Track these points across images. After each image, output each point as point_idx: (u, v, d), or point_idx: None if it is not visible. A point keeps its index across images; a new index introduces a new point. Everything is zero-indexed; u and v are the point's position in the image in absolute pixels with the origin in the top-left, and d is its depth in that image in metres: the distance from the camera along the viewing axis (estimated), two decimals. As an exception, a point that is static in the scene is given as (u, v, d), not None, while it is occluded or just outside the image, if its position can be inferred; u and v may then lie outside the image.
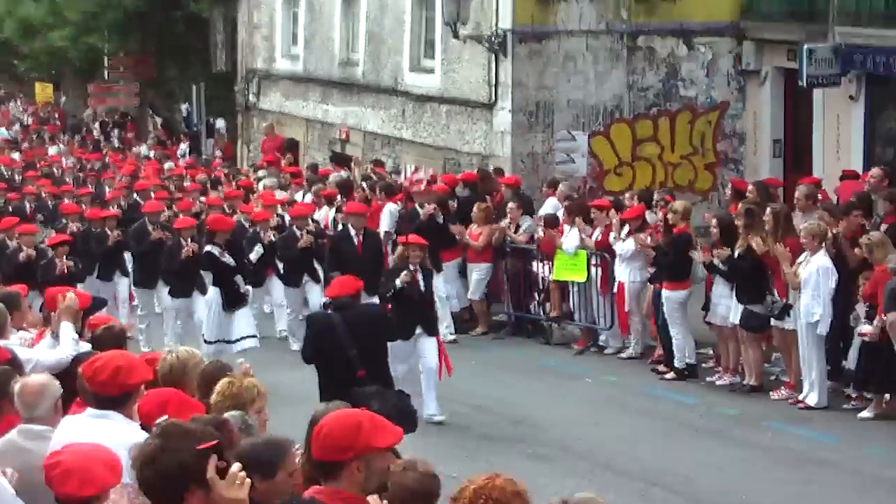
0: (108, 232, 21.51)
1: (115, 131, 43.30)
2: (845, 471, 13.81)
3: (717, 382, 17.21)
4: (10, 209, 26.46)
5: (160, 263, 19.84)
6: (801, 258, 16.00)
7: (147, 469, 5.52)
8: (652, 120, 24.46)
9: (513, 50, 24.00)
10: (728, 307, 16.88)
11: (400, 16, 27.53)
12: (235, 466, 5.49)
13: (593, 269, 19.25)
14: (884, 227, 16.50)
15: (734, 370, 17.17)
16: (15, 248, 19.85)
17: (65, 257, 19.08)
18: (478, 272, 20.56)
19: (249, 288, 19.20)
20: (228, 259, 18.37)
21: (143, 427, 7.32)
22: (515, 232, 20.49)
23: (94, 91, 43.64)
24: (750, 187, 19.04)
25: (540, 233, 20.06)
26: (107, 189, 27.74)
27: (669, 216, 17.82)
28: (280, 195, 24.25)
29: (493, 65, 24.39)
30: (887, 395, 15.36)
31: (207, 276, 19.42)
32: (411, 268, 15.54)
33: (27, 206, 26.81)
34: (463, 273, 20.87)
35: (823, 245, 15.89)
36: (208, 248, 18.53)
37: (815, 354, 15.82)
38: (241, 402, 8.03)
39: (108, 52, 43.24)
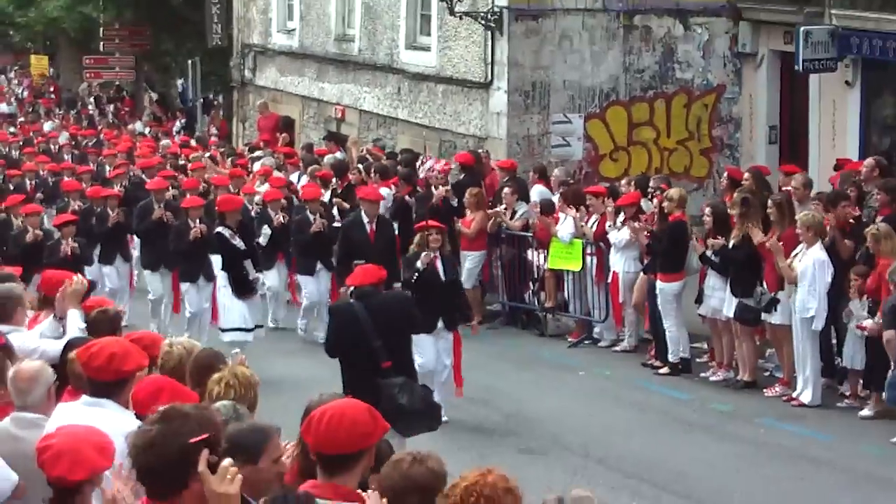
0: (109, 212, 20.94)
1: (111, 107, 43.20)
2: (838, 468, 13.84)
3: (711, 378, 17.18)
4: (12, 187, 26.38)
5: (164, 244, 19.30)
6: (797, 251, 15.91)
7: (148, 455, 5.45)
8: (648, 103, 24.39)
9: (509, 28, 23.88)
10: (721, 300, 16.82)
11: (395, -9, 27.39)
12: (227, 461, 5.43)
13: (588, 259, 19.20)
14: (880, 218, 16.45)
15: (728, 365, 17.13)
16: (20, 228, 19.47)
17: (70, 239, 18.62)
18: (470, 260, 20.36)
19: (260, 276, 18.70)
20: (239, 242, 17.95)
21: (138, 416, 7.28)
22: (511, 218, 20.36)
23: (90, 64, 43.52)
24: (746, 175, 18.97)
25: (535, 220, 19.99)
26: (107, 167, 27.56)
27: (665, 204, 17.72)
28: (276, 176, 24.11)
29: (490, 43, 24.28)
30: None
31: (215, 261, 19.13)
32: (427, 251, 15.17)
33: (27, 183, 26.71)
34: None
35: (819, 238, 15.83)
36: (219, 229, 18.07)
37: (809, 350, 15.77)
38: (247, 396, 8.04)
39: (104, 23, 43.08)
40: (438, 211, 19.57)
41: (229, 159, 28.07)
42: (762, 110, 23.99)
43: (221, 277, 18.07)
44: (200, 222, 18.64)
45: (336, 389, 7.60)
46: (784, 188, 18.44)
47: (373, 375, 12.22)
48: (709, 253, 16.74)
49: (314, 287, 19.88)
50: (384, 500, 6.10)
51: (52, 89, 49.37)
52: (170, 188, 21.83)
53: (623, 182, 20.39)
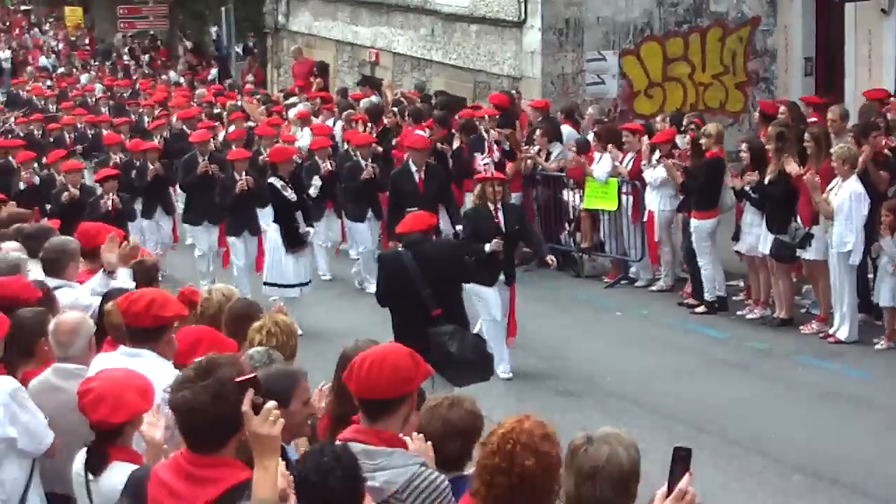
0: (149, 165, 20.71)
1: (145, 57, 43.23)
2: (875, 406, 13.72)
3: (748, 316, 17.09)
4: (52, 139, 26.41)
5: (209, 198, 18.99)
6: (833, 184, 15.75)
7: (217, 407, 5.48)
8: (682, 37, 24.19)
9: (542, -36, 23.72)
10: (758, 236, 16.67)
11: (428, -73, 27.18)
12: (270, 403, 5.43)
13: (624, 198, 19.10)
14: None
15: (765, 303, 17.03)
16: (60, 186, 19.01)
17: (112, 193, 18.29)
18: (512, 201, 20.31)
19: (311, 229, 18.12)
20: (291, 194, 17.51)
21: (177, 366, 7.34)
22: (546, 160, 20.25)
23: (124, 14, 43.55)
24: (782, 108, 18.78)
25: (570, 159, 19.89)
26: (145, 118, 27.48)
27: (703, 140, 17.52)
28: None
29: (523, -21, 24.12)
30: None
31: (263, 215, 19.00)
32: (492, 208, 14.71)
33: (66, 137, 26.65)
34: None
35: (854, 170, 15.67)
36: (271, 180, 17.61)
37: (847, 286, 15.60)
38: (288, 343, 8.09)
39: (138, -29, 43.16)
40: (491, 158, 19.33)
41: (264, 106, 27.99)
42: (797, 42, 23.77)
43: (273, 230, 17.71)
44: (246, 174, 18.35)
45: (378, 337, 7.53)
46: (809, 120, 18.26)
47: (422, 324, 12.06)
48: (747, 188, 16.59)
49: (367, 233, 19.73)
50: (429, 443, 6.18)
51: (87, 41, 49.42)
52: (213, 139, 21.55)
53: (658, 119, 20.26)
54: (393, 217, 16.88)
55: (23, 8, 58.10)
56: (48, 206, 18.78)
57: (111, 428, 6.46)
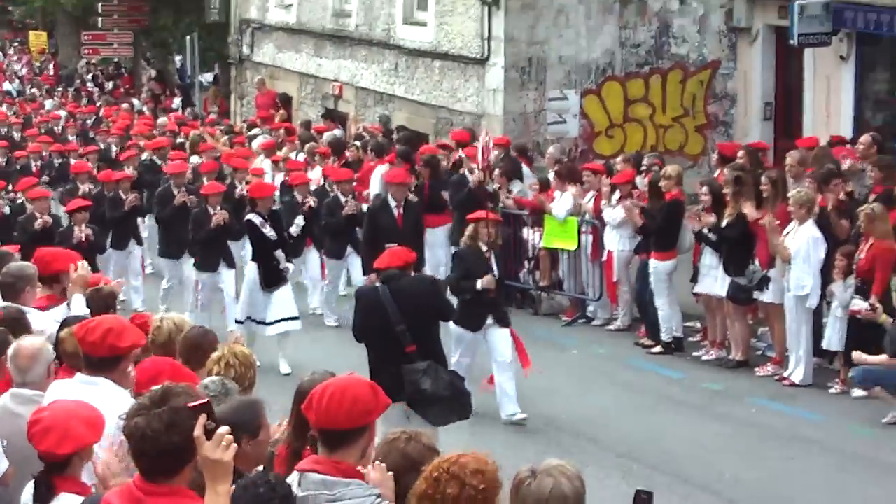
0: (123, 196, 20.37)
1: (109, 84, 43.17)
2: (828, 448, 13.88)
3: (704, 357, 17.26)
4: (18, 168, 26.15)
5: (186, 230, 18.74)
6: (789, 228, 15.95)
7: (170, 434, 5.49)
8: (644, 79, 24.39)
9: (506, 3, 23.84)
10: (716, 278, 16.85)
11: (393, -36, 27.32)
12: (223, 428, 5.48)
13: (583, 237, 19.24)
14: (873, 196, 16.49)
15: (721, 344, 17.20)
16: (29, 214, 18.73)
17: (83, 225, 17.99)
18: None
19: (290, 266, 17.71)
20: (270, 231, 17.07)
21: (134, 396, 7.31)
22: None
23: (88, 40, 43.50)
24: (740, 152, 18.96)
25: (530, 196, 20.02)
26: (112, 147, 27.29)
27: (663, 182, 17.72)
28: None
29: (486, 18, 24.25)
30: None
31: (237, 249, 18.86)
32: (484, 248, 14.53)
33: (32, 164, 26.40)
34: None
35: (811, 215, 15.86)
36: (250, 216, 17.20)
37: (803, 329, 15.81)
38: (247, 375, 8.13)
39: (102, -1, 43.10)
40: (474, 196, 19.12)
41: (226, 137, 28.03)
42: (757, 86, 24.00)
43: (251, 268, 17.37)
44: (221, 208, 18.15)
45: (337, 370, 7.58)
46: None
47: (397, 360, 11.97)
48: (705, 230, 16.76)
49: (342, 271, 19.58)
50: (390, 473, 6.22)
51: (51, 66, 49.31)
52: (189, 171, 21.30)
53: (618, 160, 20.42)
54: (369, 252, 16.71)
55: (-14, 32, 57.99)
56: (14, 234, 18.48)
57: (58, 459, 6.44)
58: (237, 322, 17.17)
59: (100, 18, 42.96)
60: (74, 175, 22.55)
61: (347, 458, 6.14)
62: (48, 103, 40.04)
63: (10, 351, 8.11)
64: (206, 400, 5.59)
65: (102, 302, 10.43)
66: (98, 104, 38.50)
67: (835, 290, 15.44)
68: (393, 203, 17.93)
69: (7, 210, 20.21)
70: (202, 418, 5.46)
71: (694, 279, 17.40)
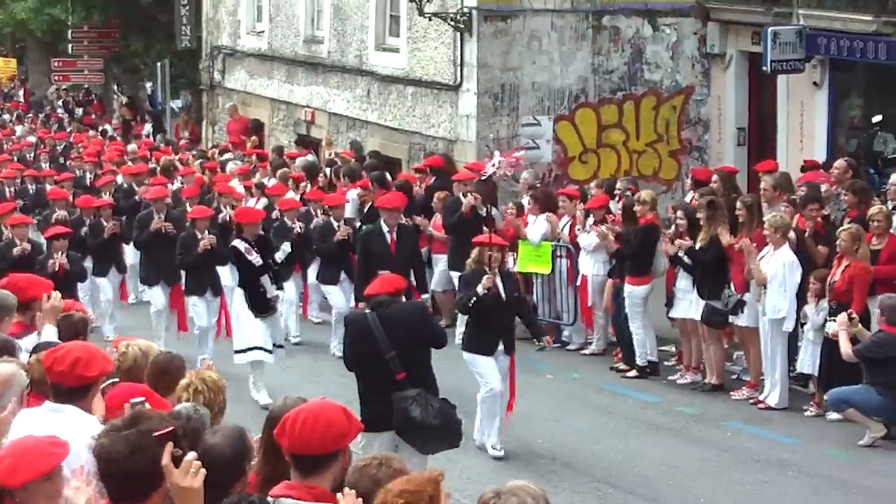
0: (104, 222, 20.23)
1: (79, 110, 43.06)
2: (804, 472, 13.85)
3: (679, 381, 17.25)
4: None
5: (163, 256, 18.63)
6: (764, 252, 15.96)
7: (134, 458, 5.43)
8: (617, 105, 24.42)
9: (478, 29, 23.87)
10: (691, 302, 16.86)
11: (365, -10, 27.29)
12: (191, 455, 5.45)
13: (559, 262, 19.19)
14: (847, 220, 16.51)
15: (696, 368, 17.18)
16: (8, 240, 18.41)
17: (62, 253, 17.74)
18: (442, 263, 20.27)
19: (279, 293, 17.49)
20: (256, 257, 16.69)
21: (104, 422, 7.25)
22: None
23: (58, 67, 43.41)
24: (714, 177, 18.99)
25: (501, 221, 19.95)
26: (87, 174, 27.07)
27: (637, 207, 17.73)
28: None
29: (459, 44, 24.26)
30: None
31: (225, 275, 18.66)
32: (488, 273, 14.18)
33: (6, 191, 26.11)
34: (428, 264, 20.54)
35: (787, 239, 15.87)
36: (235, 243, 16.90)
37: (778, 352, 15.82)
38: (216, 401, 8.03)
39: (72, 25, 42.97)
40: (467, 220, 19.12)
41: (198, 162, 27.91)
42: (730, 112, 24.06)
43: (238, 295, 17.00)
44: (208, 232, 17.99)
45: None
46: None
47: (387, 388, 11.78)
48: (681, 254, 16.74)
49: (340, 297, 19.07)
50: (360, 500, 6.12)
51: (21, 92, 49.15)
52: (169, 196, 21.05)
53: (592, 185, 20.40)
54: (362, 279, 16.44)
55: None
56: None
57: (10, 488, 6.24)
58: (237, 353, 16.75)
59: (70, 45, 42.94)
60: (52, 201, 22.43)
61: (321, 483, 6.11)
62: (18, 129, 39.85)
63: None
64: (171, 428, 5.55)
65: (72, 329, 10.31)
66: (69, 130, 38.34)
67: (808, 312, 15.46)
68: (385, 229, 17.58)
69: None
70: (169, 446, 5.43)
71: (669, 304, 17.37)
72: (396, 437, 11.80)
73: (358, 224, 20.10)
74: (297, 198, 21.79)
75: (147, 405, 7.10)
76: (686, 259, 16.78)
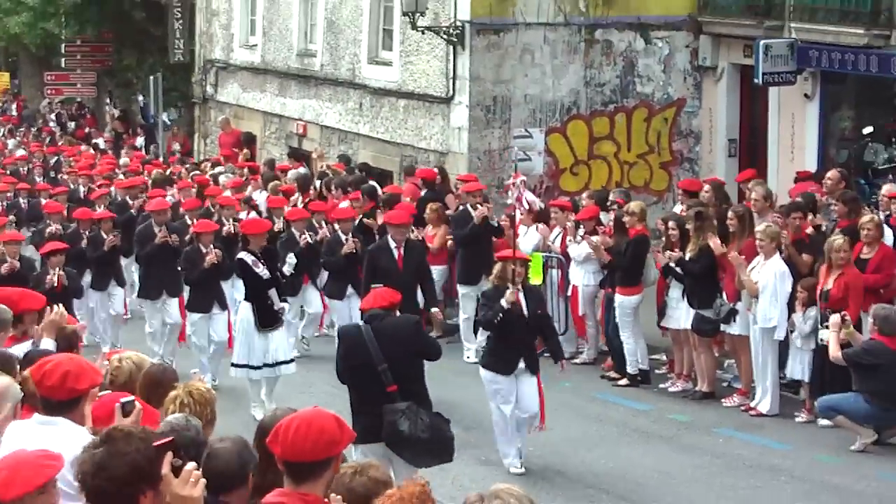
0: (104, 235, 19.88)
1: (72, 124, 43.05)
2: (796, 477, 13.89)
3: (670, 389, 17.30)
4: None
5: (166, 270, 18.53)
6: (755, 262, 16.01)
7: (98, 478, 5.45)
8: (609, 117, 24.51)
9: (471, 42, 23.95)
10: (683, 311, 16.90)
11: (358, 5, 27.37)
12: (190, 465, 5.50)
13: (550, 272, 19.22)
14: (838, 230, 16.57)
15: (687, 376, 17.23)
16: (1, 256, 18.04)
17: (59, 269, 17.53)
18: (435, 274, 20.13)
19: (286, 305, 17.25)
20: (263, 270, 16.33)
21: (94, 432, 7.24)
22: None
23: (51, 81, 43.43)
24: (706, 187, 19.05)
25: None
26: (81, 187, 26.89)
27: (626, 219, 17.80)
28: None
29: (451, 57, 24.34)
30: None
31: (228, 290, 18.46)
32: (511, 287, 13.94)
33: (-1, 206, 25.99)
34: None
35: (778, 249, 15.92)
36: (242, 255, 16.52)
37: (769, 360, 15.87)
38: (203, 413, 8.03)
39: (65, 39, 43.02)
40: (478, 232, 19.09)
41: (190, 175, 27.91)
42: (722, 123, 24.15)
43: (244, 308, 16.60)
44: (214, 247, 17.76)
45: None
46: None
47: (379, 400, 11.74)
48: (672, 264, 16.78)
49: (345, 312, 18.54)
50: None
51: (13, 106, 49.12)
52: (170, 209, 20.48)
53: (583, 196, 20.45)
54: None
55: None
56: None
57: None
58: (234, 366, 16.62)
59: (63, 59, 42.95)
60: (48, 215, 22.16)
61: (314, 490, 6.13)
62: (10, 143, 39.84)
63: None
64: (169, 439, 5.60)
65: (66, 342, 10.33)
66: (60, 144, 38.34)
67: (795, 320, 15.52)
68: (393, 244, 17.06)
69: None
70: (168, 456, 5.48)
71: (661, 313, 17.40)
72: (388, 449, 11.78)
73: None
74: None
75: (137, 404, 7.16)
76: (677, 269, 16.81)
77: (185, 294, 18.92)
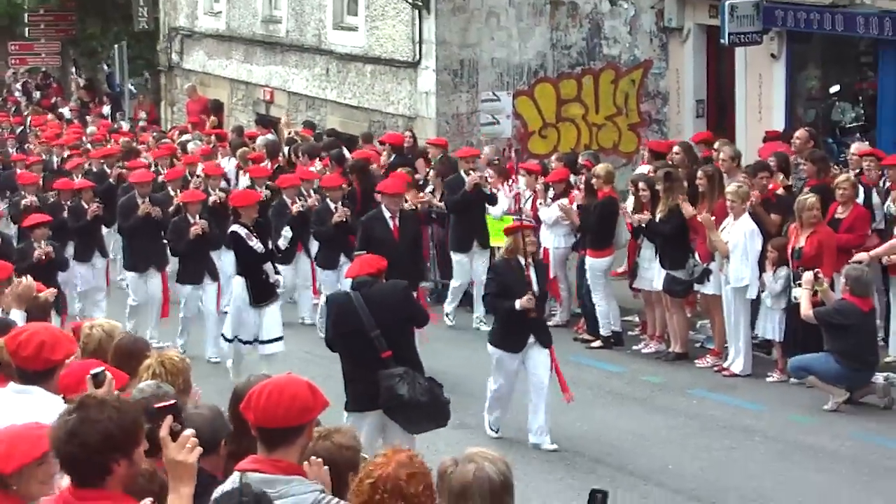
0: (86, 205, 19.37)
1: (37, 93, 42.77)
2: (769, 437, 13.98)
3: (644, 350, 17.37)
4: None
5: (151, 242, 18.29)
6: (725, 223, 16.06)
7: (70, 444, 5.47)
8: (576, 79, 24.49)
9: (436, 6, 23.86)
10: (654, 272, 16.94)
11: (323, -32, 27.23)
12: (189, 431, 5.55)
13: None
14: (807, 188, 16.63)
15: (660, 337, 17.29)
16: None
17: (44, 241, 17.11)
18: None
19: (280, 277, 16.74)
20: (257, 243, 15.80)
21: (66, 400, 7.25)
22: (441, 199, 20.20)
23: (15, 50, 43.12)
24: (676, 148, 19.07)
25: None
26: (54, 157, 26.54)
27: (593, 181, 17.84)
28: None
29: (417, 21, 24.25)
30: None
31: (219, 260, 18.30)
32: (522, 261, 13.56)
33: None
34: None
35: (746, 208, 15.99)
36: (234, 228, 15.95)
37: (742, 320, 15.95)
38: (175, 383, 8.03)
39: (28, 9, 42.70)
40: (469, 199, 18.89)
41: (158, 144, 27.74)
42: (689, 84, 24.16)
43: (237, 283, 16.12)
44: (199, 217, 17.43)
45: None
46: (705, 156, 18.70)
47: (373, 366, 11.65)
48: (643, 225, 16.81)
49: (333, 280, 18.10)
50: (326, 468, 6.20)
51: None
52: (153, 180, 20.12)
53: (552, 159, 20.47)
54: None
55: None
56: None
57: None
58: (225, 340, 16.34)
59: (26, 28, 42.61)
60: (22, 186, 21.62)
61: (287, 456, 6.11)
62: (-24, 114, 39.56)
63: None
64: (172, 402, 5.68)
65: (39, 310, 10.29)
66: (25, 114, 38.10)
67: (766, 280, 15.60)
68: (387, 214, 16.48)
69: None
70: (168, 419, 5.54)
71: (632, 274, 17.45)
72: (384, 416, 11.73)
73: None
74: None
75: (108, 374, 7.16)
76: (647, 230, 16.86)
77: (176, 266, 18.68)
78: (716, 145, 18.80)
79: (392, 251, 14.98)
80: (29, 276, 10.75)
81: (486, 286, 14.37)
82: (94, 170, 23.34)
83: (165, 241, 18.53)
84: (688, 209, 16.42)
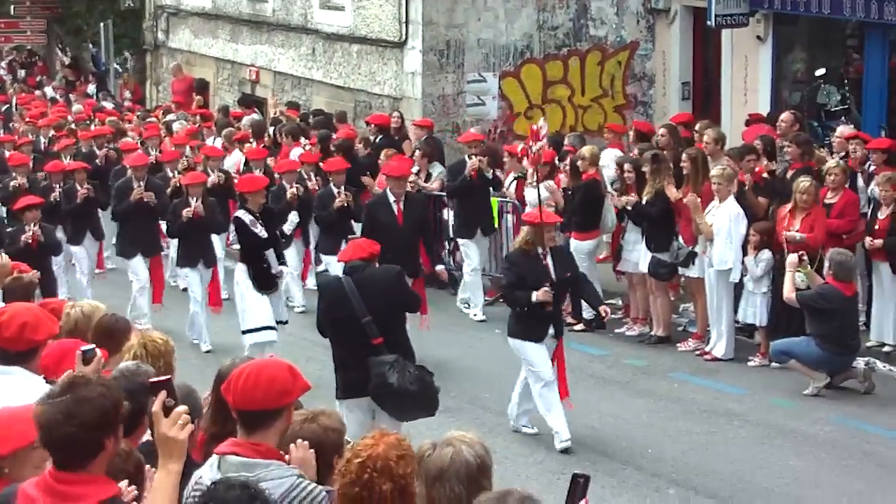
0: (78, 187, 19.08)
1: (22, 72, 42.63)
2: (750, 421, 13.98)
3: (627, 333, 17.37)
4: None
5: (142, 227, 18.00)
6: (710, 205, 16.04)
7: (68, 425, 5.38)
8: (562, 60, 24.43)
9: (423, -16, 23.83)
10: (639, 254, 16.95)
11: (309, -55, 27.15)
12: (181, 408, 5.56)
13: (505, 217, 19.21)
14: (791, 171, 16.63)
15: (643, 320, 17.29)
16: None
17: (35, 224, 16.84)
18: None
19: (283, 268, 16.24)
20: (261, 230, 15.49)
21: (47, 381, 7.23)
22: (427, 180, 20.19)
23: (0, 28, 42.96)
24: (662, 130, 19.05)
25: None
26: (41, 138, 26.31)
27: (578, 163, 17.81)
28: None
29: (404, 1, 24.18)
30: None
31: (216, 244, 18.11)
32: (540, 251, 13.27)
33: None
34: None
35: (732, 192, 15.96)
36: (239, 213, 15.72)
37: (724, 304, 15.95)
38: (156, 365, 8.00)
39: (14, -13, 42.59)
40: (469, 184, 18.69)
41: (144, 124, 27.70)
42: (675, 66, 24.12)
43: (240, 271, 15.75)
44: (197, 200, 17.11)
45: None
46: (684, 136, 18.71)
47: (364, 353, 11.56)
48: (628, 207, 16.80)
49: (338, 270, 18.05)
50: (312, 451, 6.20)
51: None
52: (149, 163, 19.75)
53: (539, 139, 20.37)
54: None
55: None
56: None
57: None
58: (246, 332, 15.52)
59: (12, 6, 42.44)
60: (13, 168, 21.21)
61: (266, 439, 6.09)
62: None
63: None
64: (167, 377, 5.69)
65: (22, 291, 10.25)
66: (10, 92, 37.96)
67: (748, 264, 15.59)
68: (392, 198, 16.13)
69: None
70: (162, 394, 5.55)
71: (616, 257, 17.43)
72: (373, 403, 11.67)
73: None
74: (243, 159, 21.68)
75: (97, 352, 7.15)
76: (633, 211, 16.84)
77: (174, 249, 18.50)
78: (697, 127, 18.77)
79: (395, 236, 14.99)
80: (4, 255, 10.68)
81: (503, 276, 14.07)
82: (84, 151, 23.10)
83: (159, 225, 18.45)
84: (672, 192, 16.39)
